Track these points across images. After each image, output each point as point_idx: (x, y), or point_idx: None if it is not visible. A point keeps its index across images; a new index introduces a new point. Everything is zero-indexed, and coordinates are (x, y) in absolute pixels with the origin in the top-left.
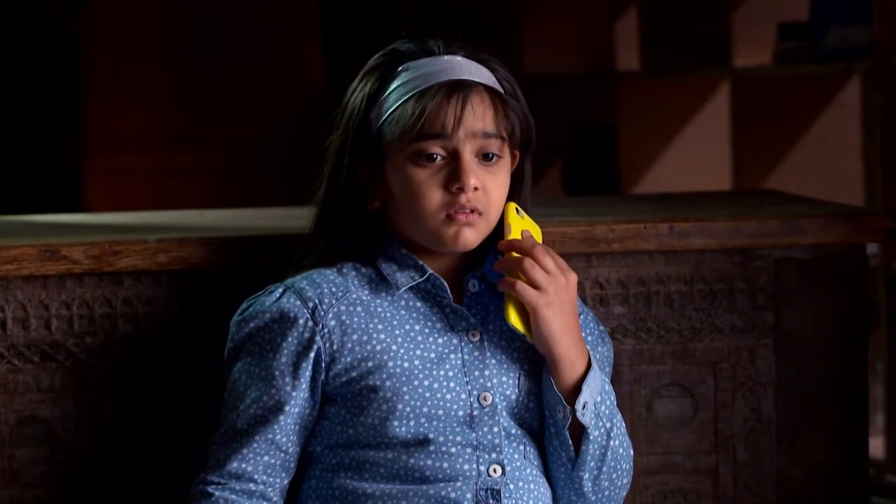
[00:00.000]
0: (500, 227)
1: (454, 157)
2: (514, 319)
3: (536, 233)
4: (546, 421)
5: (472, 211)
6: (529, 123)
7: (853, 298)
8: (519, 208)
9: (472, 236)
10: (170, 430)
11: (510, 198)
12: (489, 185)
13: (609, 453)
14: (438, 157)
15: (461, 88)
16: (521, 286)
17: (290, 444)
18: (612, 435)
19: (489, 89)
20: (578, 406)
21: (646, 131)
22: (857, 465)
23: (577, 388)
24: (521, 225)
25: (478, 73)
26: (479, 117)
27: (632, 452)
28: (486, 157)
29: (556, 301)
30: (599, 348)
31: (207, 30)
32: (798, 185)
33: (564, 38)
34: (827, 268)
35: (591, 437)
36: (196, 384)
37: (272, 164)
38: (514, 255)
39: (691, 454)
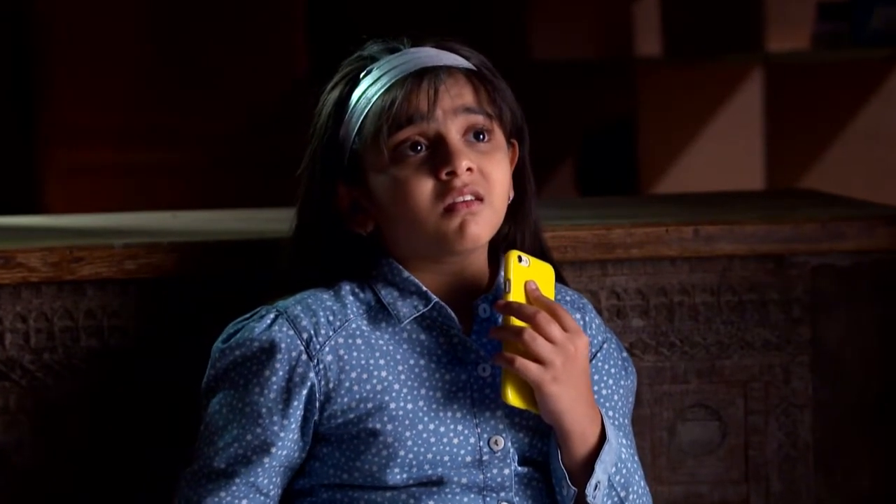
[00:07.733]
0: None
1: (439, 142)
2: (512, 398)
3: (547, 276)
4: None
5: (473, 198)
6: (519, 111)
7: None
8: (522, 255)
9: (478, 229)
10: (137, 458)
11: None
12: (486, 166)
13: None
14: (422, 147)
15: (432, 71)
16: (522, 363)
17: (272, 488)
18: (627, 501)
19: (465, 71)
20: (590, 489)
21: (668, 125)
22: None
23: (589, 463)
24: (523, 276)
25: (450, 59)
26: (456, 95)
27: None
28: (476, 136)
29: (563, 375)
30: (622, 382)
31: (180, 12)
32: (838, 183)
33: (576, 21)
34: (870, 276)
35: None
36: (167, 406)
37: (251, 161)
38: (514, 321)
39: (719, 484)
